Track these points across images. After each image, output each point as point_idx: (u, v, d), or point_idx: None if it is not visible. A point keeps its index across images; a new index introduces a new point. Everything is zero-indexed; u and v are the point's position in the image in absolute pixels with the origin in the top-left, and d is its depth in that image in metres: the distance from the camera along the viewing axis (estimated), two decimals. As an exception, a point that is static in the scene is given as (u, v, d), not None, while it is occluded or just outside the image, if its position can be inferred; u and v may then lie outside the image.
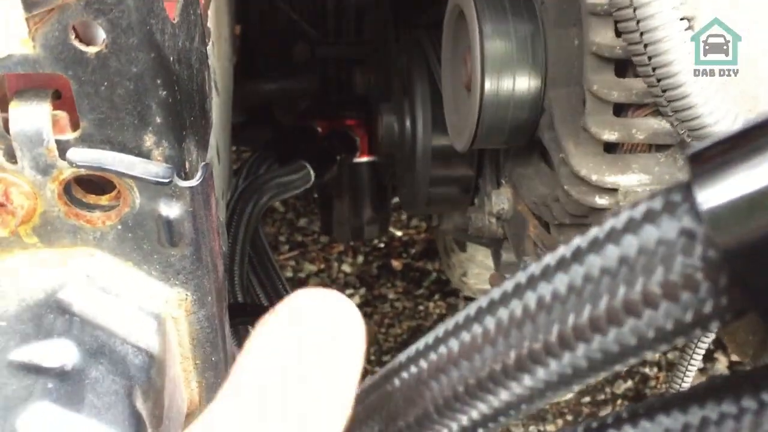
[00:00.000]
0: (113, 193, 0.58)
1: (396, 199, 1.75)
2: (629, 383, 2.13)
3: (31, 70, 0.50)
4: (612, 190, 0.69)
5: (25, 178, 0.54)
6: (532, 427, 2.02)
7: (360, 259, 2.55)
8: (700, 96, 0.59)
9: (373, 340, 2.25)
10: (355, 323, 0.34)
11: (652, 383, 2.13)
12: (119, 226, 0.58)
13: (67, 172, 0.55)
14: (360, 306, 2.39)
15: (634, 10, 0.58)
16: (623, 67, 0.68)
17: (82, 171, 0.54)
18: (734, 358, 2.08)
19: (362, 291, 2.45)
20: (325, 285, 2.45)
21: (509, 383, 0.32)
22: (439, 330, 0.36)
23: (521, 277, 0.32)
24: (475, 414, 0.34)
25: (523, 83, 0.75)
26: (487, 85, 0.74)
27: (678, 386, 1.00)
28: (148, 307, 0.61)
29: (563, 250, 0.31)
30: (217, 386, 0.70)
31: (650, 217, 0.28)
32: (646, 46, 0.59)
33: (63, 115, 0.54)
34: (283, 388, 0.32)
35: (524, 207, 0.91)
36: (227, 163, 1.13)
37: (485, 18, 0.75)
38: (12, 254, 0.58)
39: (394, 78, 1.19)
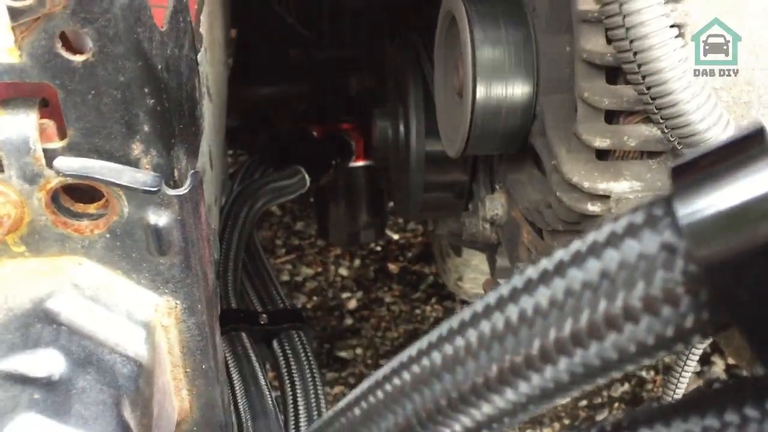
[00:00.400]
0: (101, 202, 0.58)
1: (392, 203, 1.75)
2: (626, 386, 2.13)
3: (17, 79, 0.50)
4: (604, 197, 0.69)
5: (12, 187, 0.54)
6: (528, 431, 2.02)
7: (357, 262, 2.55)
8: (691, 103, 0.59)
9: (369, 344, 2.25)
10: None
11: (649, 386, 2.13)
12: (107, 235, 0.58)
13: (55, 181, 0.54)
14: (357, 309, 2.39)
15: (624, 17, 0.58)
16: (614, 74, 0.68)
17: (70, 180, 0.54)
18: (731, 361, 2.08)
19: (359, 294, 2.45)
20: (322, 288, 2.45)
21: (492, 396, 0.32)
22: (423, 342, 0.35)
23: (504, 289, 0.32)
24: (458, 427, 0.33)
25: (515, 90, 0.75)
26: (479, 91, 0.74)
27: (672, 391, 1.00)
28: (137, 315, 0.60)
29: (545, 263, 0.31)
30: (208, 394, 0.70)
31: (632, 231, 0.28)
32: (635, 53, 0.59)
33: (50, 124, 0.53)
34: None
35: (518, 213, 0.91)
36: (221, 168, 1.12)
37: (477, 25, 0.75)
38: (0, 263, 0.58)
39: (388, 82, 1.19)
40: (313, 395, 0.96)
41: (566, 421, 2.06)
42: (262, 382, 0.94)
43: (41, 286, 0.57)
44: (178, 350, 0.65)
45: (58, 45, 0.49)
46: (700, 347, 1.00)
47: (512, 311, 0.31)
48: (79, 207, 0.58)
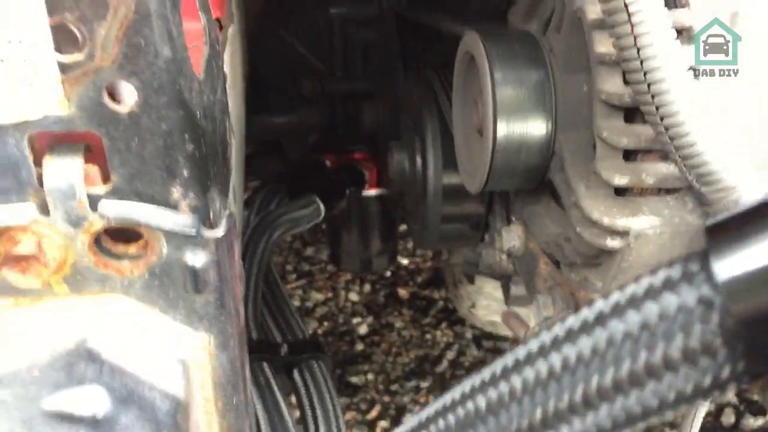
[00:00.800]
0: (141, 243, 0.60)
1: (403, 227, 1.77)
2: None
3: (65, 129, 0.53)
4: (623, 233, 0.71)
5: (58, 230, 0.56)
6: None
7: (367, 287, 2.56)
8: (707, 144, 0.61)
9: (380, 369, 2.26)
10: None
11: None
12: (146, 274, 0.60)
13: (98, 224, 0.57)
14: (367, 335, 2.40)
15: (642, 62, 0.60)
16: (632, 112, 0.70)
17: (113, 223, 0.56)
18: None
19: (369, 319, 2.46)
20: (332, 313, 2.46)
21: (535, 440, 0.33)
22: (466, 386, 0.37)
23: (546, 337, 0.34)
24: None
25: (534, 128, 0.77)
26: (500, 130, 0.77)
27: (690, 421, 1.01)
28: (173, 352, 0.62)
29: (586, 313, 0.33)
30: (238, 428, 0.72)
31: (669, 285, 0.30)
32: (653, 96, 0.61)
33: (94, 169, 0.56)
34: None
35: (535, 244, 0.93)
36: (241, 200, 1.15)
37: (496, 64, 0.77)
38: (43, 302, 0.60)
39: (403, 115, 1.22)
40: (334, 425, 0.98)
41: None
42: (285, 412, 0.96)
43: (83, 325, 0.59)
44: (210, 385, 0.67)
45: (105, 96, 0.52)
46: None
47: (555, 359, 0.32)
48: (120, 248, 0.60)
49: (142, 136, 0.54)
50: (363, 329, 2.44)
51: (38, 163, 0.55)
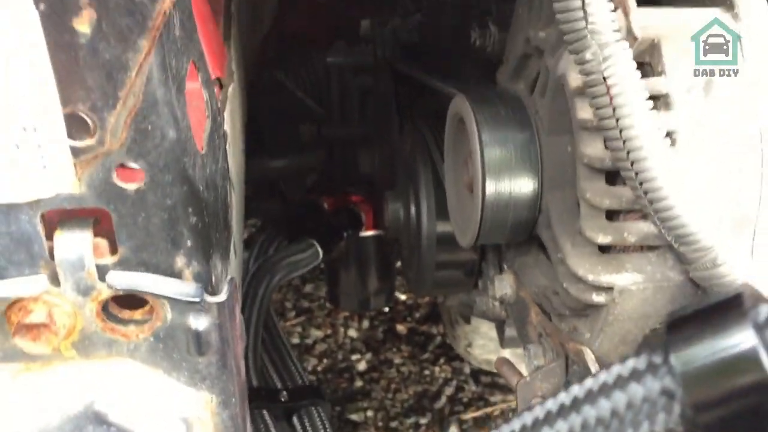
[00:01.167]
0: (146, 308, 0.63)
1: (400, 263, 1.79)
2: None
3: (76, 206, 0.56)
4: (608, 289, 0.74)
5: (67, 299, 0.59)
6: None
7: (365, 323, 2.58)
8: (684, 207, 0.64)
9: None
10: None
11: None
12: (151, 338, 0.63)
13: (106, 293, 0.60)
14: (366, 371, 2.41)
15: (620, 131, 0.64)
16: (613, 174, 0.73)
17: (120, 291, 0.59)
18: None
19: (368, 356, 2.47)
20: (331, 350, 2.48)
21: None
22: None
23: (527, 419, 0.37)
24: None
25: (522, 186, 0.81)
26: (488, 188, 0.80)
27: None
28: (176, 411, 0.65)
29: (563, 397, 0.36)
30: (239, 482, 0.74)
31: (636, 375, 0.33)
32: (632, 163, 0.64)
33: (102, 242, 0.59)
34: None
35: (526, 293, 0.96)
36: (241, 250, 1.18)
37: (484, 126, 0.81)
38: (52, 366, 0.63)
39: (398, 165, 1.26)
40: (333, 472, 1.00)
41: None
42: (285, 460, 0.98)
43: (91, 388, 0.62)
44: (212, 442, 0.70)
45: (114, 176, 0.55)
46: None
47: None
48: (126, 314, 0.63)
49: (148, 211, 0.57)
50: (362, 366, 2.45)
51: (50, 236, 0.58)
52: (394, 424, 2.25)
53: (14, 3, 0.47)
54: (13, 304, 0.59)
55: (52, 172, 0.53)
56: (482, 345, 1.72)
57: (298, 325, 2.56)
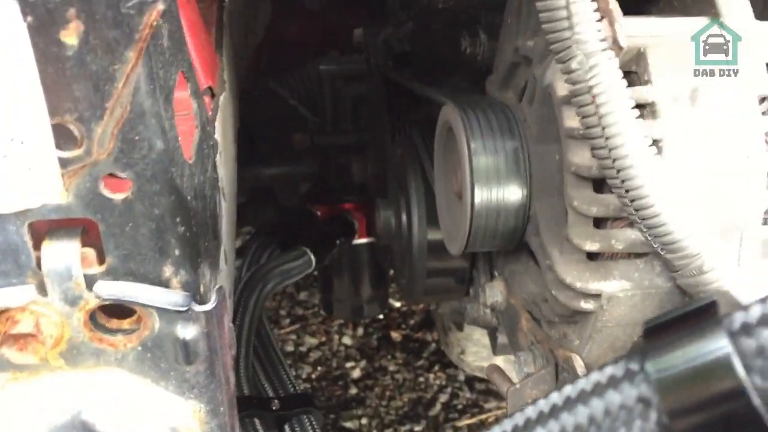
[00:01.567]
0: (134, 318, 0.63)
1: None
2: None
3: (63, 216, 0.56)
4: (596, 295, 0.74)
5: (55, 309, 0.59)
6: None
7: (360, 331, 2.58)
8: (671, 215, 0.65)
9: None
10: None
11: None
12: (139, 348, 0.63)
13: (93, 302, 0.60)
14: (361, 378, 2.41)
15: (606, 139, 0.64)
16: (600, 182, 0.74)
17: (107, 301, 0.60)
18: None
19: (363, 363, 2.47)
20: (326, 358, 2.48)
21: None
22: None
23: (507, 425, 0.37)
24: None
25: (510, 194, 0.81)
26: (477, 196, 0.81)
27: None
28: (164, 420, 0.65)
29: (542, 404, 0.37)
30: (229, 491, 0.74)
31: (613, 383, 0.34)
32: (618, 171, 0.65)
33: (90, 252, 0.59)
34: None
35: (517, 300, 0.96)
36: (232, 259, 1.18)
37: (473, 135, 0.81)
38: (40, 376, 0.63)
39: (389, 173, 1.26)
40: (324, 480, 1.00)
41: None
42: (276, 469, 0.98)
43: (78, 398, 0.62)
44: (201, 451, 0.70)
45: (101, 186, 0.55)
46: None
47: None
48: (114, 323, 0.63)
49: (136, 221, 0.57)
50: (356, 373, 2.45)
51: (37, 246, 0.58)
52: (388, 431, 2.24)
53: (1, 15, 0.48)
54: (0, 314, 0.59)
55: (40, 182, 0.54)
56: (475, 352, 1.72)
57: (292, 333, 2.55)
